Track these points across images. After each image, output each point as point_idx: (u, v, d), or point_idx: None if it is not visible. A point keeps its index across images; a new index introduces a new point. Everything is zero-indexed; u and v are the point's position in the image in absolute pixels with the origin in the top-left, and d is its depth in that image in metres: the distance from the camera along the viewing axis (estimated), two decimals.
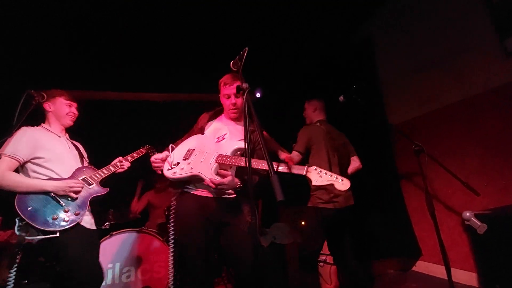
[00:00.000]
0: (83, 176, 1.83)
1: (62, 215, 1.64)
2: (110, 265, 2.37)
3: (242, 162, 1.55)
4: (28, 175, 1.72)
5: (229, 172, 1.61)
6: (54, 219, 1.61)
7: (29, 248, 2.47)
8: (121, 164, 2.01)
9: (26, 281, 1.95)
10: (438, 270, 2.80)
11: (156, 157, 1.73)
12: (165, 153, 1.76)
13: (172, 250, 1.70)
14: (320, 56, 3.95)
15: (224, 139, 1.77)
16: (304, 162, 2.36)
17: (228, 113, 1.86)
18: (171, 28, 3.24)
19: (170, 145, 1.80)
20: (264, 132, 1.94)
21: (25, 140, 1.72)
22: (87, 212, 1.82)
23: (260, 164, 1.49)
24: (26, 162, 1.71)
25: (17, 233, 1.55)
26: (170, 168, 1.69)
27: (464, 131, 2.63)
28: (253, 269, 1.49)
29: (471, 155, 2.55)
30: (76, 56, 3.38)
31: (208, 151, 1.71)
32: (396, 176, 3.23)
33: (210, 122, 1.92)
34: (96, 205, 2.06)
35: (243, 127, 1.80)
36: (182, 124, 2.12)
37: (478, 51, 2.50)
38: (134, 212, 3.36)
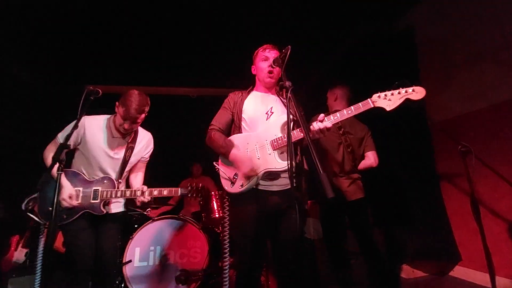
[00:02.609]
0: (97, 188, 1.85)
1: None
2: (152, 248, 2.57)
3: (298, 136, 1.51)
4: (75, 157, 1.92)
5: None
6: (49, 210, 1.67)
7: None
8: (142, 195, 1.91)
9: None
10: (478, 277, 2.66)
11: None
12: None
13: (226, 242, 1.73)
14: (357, 47, 3.80)
15: (273, 113, 1.69)
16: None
17: (263, 78, 1.74)
18: (203, 24, 3.30)
19: (214, 163, 1.71)
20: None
21: (72, 129, 1.68)
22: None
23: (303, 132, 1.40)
24: (73, 147, 1.87)
25: (23, 206, 1.66)
26: (233, 183, 1.60)
27: None
28: (294, 259, 1.50)
29: None
30: (110, 52, 3.59)
31: (257, 143, 1.60)
32: (436, 177, 3.07)
33: (244, 103, 1.75)
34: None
35: (278, 98, 1.77)
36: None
37: None
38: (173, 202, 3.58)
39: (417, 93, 1.40)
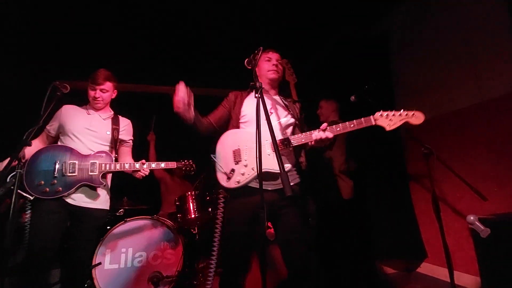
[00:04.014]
0: (94, 161, 1.91)
1: (47, 184, 1.76)
2: (123, 250, 2.50)
3: (299, 140, 1.57)
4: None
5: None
6: (39, 184, 1.73)
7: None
8: (141, 168, 2.00)
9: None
10: (442, 273, 2.80)
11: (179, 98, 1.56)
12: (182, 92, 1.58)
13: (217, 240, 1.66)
14: (332, 50, 3.91)
15: (271, 113, 1.70)
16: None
17: (267, 75, 1.80)
18: (188, 24, 3.30)
19: (211, 155, 1.69)
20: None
21: (55, 116, 2.00)
22: (102, 191, 1.96)
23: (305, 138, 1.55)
24: (58, 134, 2.01)
25: (7, 179, 1.54)
26: (228, 178, 1.59)
27: (477, 134, 2.60)
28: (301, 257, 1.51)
29: (483, 159, 2.52)
30: (92, 48, 3.50)
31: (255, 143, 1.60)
32: (405, 178, 3.22)
33: (244, 102, 1.77)
34: (111, 193, 2.17)
35: (280, 99, 1.85)
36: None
37: (500, 55, 2.45)
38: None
39: (416, 117, 1.43)
